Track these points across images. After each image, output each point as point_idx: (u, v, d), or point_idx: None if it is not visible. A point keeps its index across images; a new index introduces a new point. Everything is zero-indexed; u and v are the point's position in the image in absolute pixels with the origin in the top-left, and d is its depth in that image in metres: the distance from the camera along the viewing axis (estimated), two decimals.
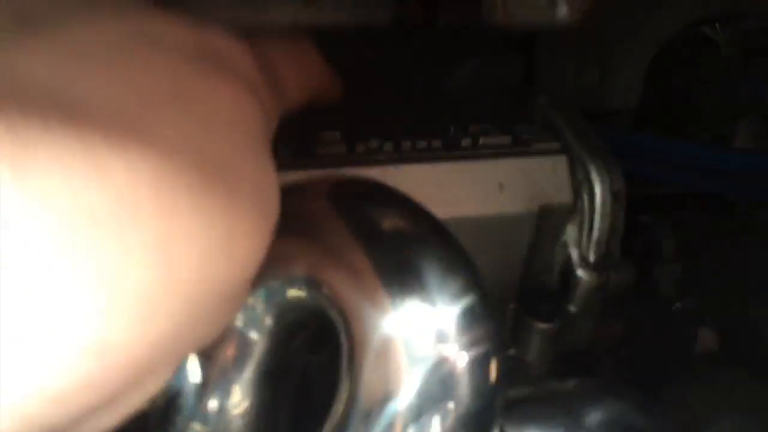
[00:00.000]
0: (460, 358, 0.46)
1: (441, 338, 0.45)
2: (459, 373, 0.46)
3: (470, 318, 0.47)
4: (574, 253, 0.68)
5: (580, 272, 0.68)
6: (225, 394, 0.51)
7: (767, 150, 1.00)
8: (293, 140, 0.63)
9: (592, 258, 0.68)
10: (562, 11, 0.56)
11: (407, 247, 0.47)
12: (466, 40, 0.82)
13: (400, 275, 0.46)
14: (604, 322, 0.86)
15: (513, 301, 0.69)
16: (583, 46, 0.82)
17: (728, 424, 0.76)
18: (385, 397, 0.45)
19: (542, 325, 0.67)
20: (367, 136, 0.65)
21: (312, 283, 0.49)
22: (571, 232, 0.69)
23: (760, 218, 0.96)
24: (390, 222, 0.49)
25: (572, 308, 0.69)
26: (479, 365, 0.46)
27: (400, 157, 0.64)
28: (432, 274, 0.46)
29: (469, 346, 0.46)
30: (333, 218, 0.50)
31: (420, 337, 0.45)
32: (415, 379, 0.45)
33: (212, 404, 0.51)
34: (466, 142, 0.67)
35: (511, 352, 0.71)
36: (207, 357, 0.51)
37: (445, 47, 0.83)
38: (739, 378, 0.86)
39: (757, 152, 0.90)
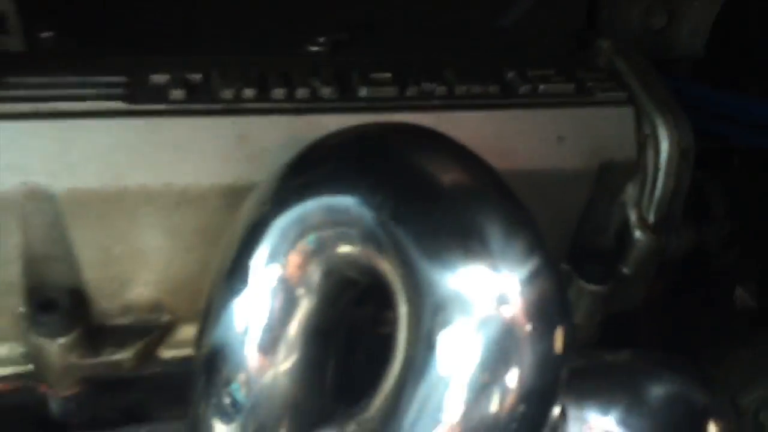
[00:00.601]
0: (525, 325, 0.42)
1: (504, 303, 0.42)
2: (522, 341, 0.42)
3: (534, 283, 0.43)
4: (633, 214, 0.64)
5: (638, 234, 0.64)
6: (271, 349, 0.49)
7: None
8: (334, 78, 0.59)
9: (652, 219, 0.64)
10: None
11: (469, 207, 0.43)
12: None
13: (462, 237, 0.42)
14: None
15: (563, 260, 0.65)
16: None
17: None
18: (443, 365, 0.42)
19: (593, 287, 0.64)
20: (419, 78, 0.60)
21: (368, 239, 0.45)
22: (631, 191, 0.64)
23: None
24: (452, 178, 0.45)
25: (626, 271, 0.65)
26: (544, 333, 0.43)
27: (454, 103, 0.60)
28: (495, 236, 0.42)
29: (534, 312, 0.43)
30: (390, 167, 0.46)
31: (482, 301, 0.42)
32: (476, 344, 0.42)
33: (259, 359, 0.49)
34: (525, 88, 0.62)
35: None
36: (255, 309, 0.48)
37: None
38: None
39: None
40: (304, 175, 0.48)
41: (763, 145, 0.85)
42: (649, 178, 0.63)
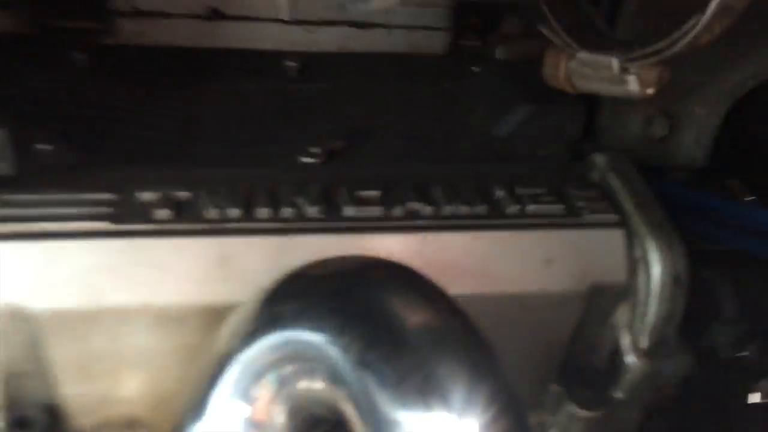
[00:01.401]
0: None
1: None
2: None
3: (495, 428, 0.42)
4: (625, 338, 0.63)
5: (630, 358, 0.62)
6: None
7: None
8: (321, 196, 0.59)
9: (644, 344, 0.62)
10: (633, 87, 0.50)
11: (432, 358, 0.42)
12: (519, 83, 0.76)
13: (423, 387, 0.42)
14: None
15: (555, 382, 0.64)
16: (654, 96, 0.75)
17: None
18: None
19: (585, 413, 0.62)
20: (407, 197, 0.60)
21: (333, 377, 0.45)
22: (622, 314, 0.63)
23: None
24: (417, 324, 0.44)
25: (619, 395, 0.63)
26: None
27: (440, 224, 0.59)
28: (455, 387, 0.42)
29: None
30: (358, 310, 0.46)
31: None
32: None
33: None
34: (513, 209, 0.61)
35: None
36: None
37: (497, 91, 0.78)
38: None
39: None
40: (275, 307, 0.48)
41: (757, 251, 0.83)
42: (641, 303, 0.61)
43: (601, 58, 0.51)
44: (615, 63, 0.49)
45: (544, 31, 0.56)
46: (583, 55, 0.52)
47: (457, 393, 0.42)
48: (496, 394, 0.43)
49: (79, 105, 0.71)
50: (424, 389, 0.41)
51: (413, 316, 0.45)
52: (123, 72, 0.76)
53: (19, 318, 0.52)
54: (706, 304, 0.89)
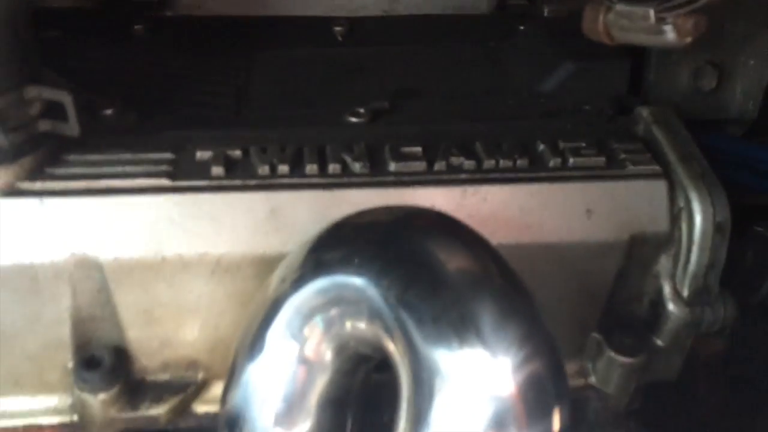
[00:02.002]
0: (519, 408, 0.44)
1: (498, 386, 0.43)
2: (518, 423, 0.43)
3: (529, 366, 0.44)
4: (667, 286, 0.63)
5: (672, 306, 0.63)
6: (287, 417, 0.52)
7: None
8: (365, 153, 0.62)
9: (686, 292, 0.63)
10: (670, 36, 0.50)
11: (468, 297, 0.44)
12: (565, 40, 0.76)
13: (458, 325, 0.44)
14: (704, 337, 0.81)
15: (595, 330, 0.65)
16: (701, 47, 0.74)
17: None
18: None
19: (625, 359, 0.63)
20: (448, 153, 0.62)
21: (375, 318, 0.48)
22: (665, 263, 0.63)
23: None
24: (455, 267, 0.47)
25: (659, 343, 0.64)
26: (540, 416, 0.44)
27: (481, 177, 0.61)
28: (489, 325, 0.44)
29: (528, 395, 0.44)
30: (399, 254, 0.48)
31: (477, 385, 0.43)
32: (472, 427, 0.43)
33: (275, 425, 0.52)
34: (555, 162, 0.62)
35: (591, 380, 0.67)
36: (272, 379, 0.51)
37: (543, 47, 0.78)
38: None
39: None
40: (320, 254, 0.51)
41: None
42: (683, 252, 0.62)
43: (637, 9, 0.51)
44: (651, 13, 0.50)
45: None
46: (621, 6, 0.53)
47: (492, 331, 0.44)
48: (531, 335, 0.45)
49: (139, 73, 0.75)
50: (459, 326, 0.44)
51: (451, 259, 0.47)
52: (180, 41, 0.80)
53: (89, 267, 0.56)
54: (759, 259, 0.88)
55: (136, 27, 0.80)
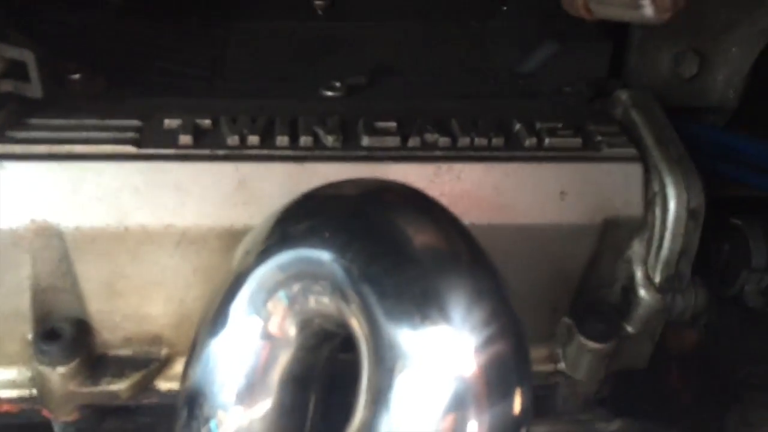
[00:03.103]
0: (481, 388, 0.43)
1: (460, 366, 0.42)
2: (479, 403, 0.43)
3: (492, 347, 0.43)
4: (639, 271, 0.63)
5: (643, 292, 0.63)
6: (248, 394, 0.51)
7: None
8: (338, 126, 0.61)
9: (657, 278, 0.62)
10: (648, 11, 0.49)
11: (432, 273, 0.43)
12: (547, 21, 0.75)
13: (421, 301, 0.43)
14: (677, 328, 0.81)
15: (567, 315, 0.64)
16: (683, 32, 0.73)
17: None
18: (398, 425, 0.43)
19: (594, 345, 0.62)
20: (423, 129, 0.61)
21: (337, 293, 0.47)
22: (637, 248, 0.63)
23: None
24: (421, 242, 0.45)
25: (630, 329, 0.64)
26: (501, 396, 0.43)
27: (456, 155, 0.60)
28: (453, 303, 0.43)
29: (491, 376, 0.43)
30: (365, 227, 0.47)
31: (438, 363, 0.42)
32: (431, 405, 0.42)
33: (236, 402, 0.51)
34: (530, 141, 0.61)
35: (561, 366, 0.66)
36: (234, 354, 0.50)
37: (523, 27, 0.77)
38: None
39: None
40: (286, 227, 0.50)
41: None
42: (656, 237, 0.61)
43: None
44: None
45: None
46: None
47: (456, 309, 0.43)
48: (496, 316, 0.44)
49: (112, 40, 0.73)
50: (422, 303, 0.42)
51: (418, 234, 0.46)
52: (154, 10, 0.78)
53: (49, 234, 0.55)
54: (736, 252, 0.88)
55: None
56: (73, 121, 0.58)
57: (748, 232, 0.87)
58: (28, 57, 0.52)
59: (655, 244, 0.62)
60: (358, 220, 0.47)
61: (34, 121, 0.57)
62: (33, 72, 0.53)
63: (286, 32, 0.78)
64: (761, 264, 0.86)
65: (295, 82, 0.70)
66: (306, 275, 0.48)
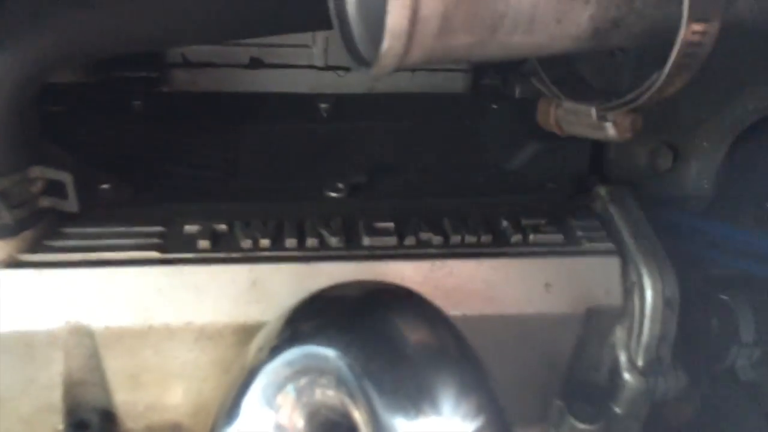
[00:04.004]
0: None
1: None
2: None
3: None
4: (623, 356, 0.68)
5: (627, 376, 0.67)
6: None
7: None
8: (342, 228, 0.67)
9: (640, 362, 0.67)
10: (611, 132, 0.56)
11: (426, 371, 0.49)
12: (533, 120, 0.82)
13: (416, 396, 0.48)
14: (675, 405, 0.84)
15: (557, 398, 0.69)
16: (657, 129, 0.80)
17: None
18: None
19: (585, 426, 0.67)
20: (418, 228, 0.67)
21: (342, 387, 0.52)
22: (620, 334, 0.68)
23: None
24: (415, 341, 0.51)
25: (617, 410, 0.68)
26: None
27: (448, 252, 0.66)
28: (444, 398, 0.48)
29: None
30: (366, 328, 0.53)
31: None
32: None
33: None
34: (516, 238, 0.67)
35: None
36: None
37: (513, 126, 0.84)
38: None
39: None
40: (295, 326, 0.56)
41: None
42: (636, 324, 0.67)
43: (581, 107, 0.57)
44: (593, 111, 0.55)
45: (534, 82, 0.62)
46: (567, 104, 0.59)
47: (447, 403, 0.48)
48: (483, 408, 0.50)
49: (135, 147, 0.80)
50: (416, 397, 0.48)
51: (412, 334, 0.51)
52: (175, 116, 0.86)
53: (81, 334, 0.60)
54: (725, 328, 0.92)
55: (135, 102, 0.86)
56: (103, 230, 0.64)
57: (736, 307, 0.91)
58: (66, 178, 0.59)
59: (635, 330, 0.67)
60: (359, 320, 0.53)
61: (68, 230, 0.64)
62: (70, 191, 0.60)
63: (293, 134, 0.86)
64: (750, 339, 0.90)
65: (302, 182, 0.77)
66: (313, 370, 0.53)
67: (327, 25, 0.53)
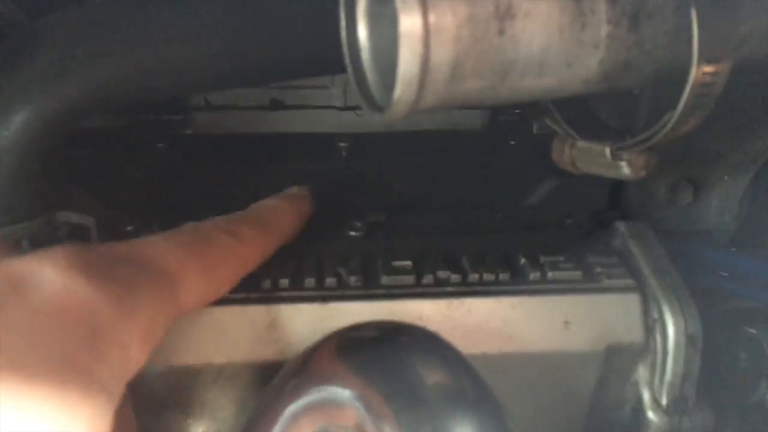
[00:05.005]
0: None
1: None
2: None
3: None
4: (646, 394, 0.67)
5: (651, 415, 0.66)
6: None
7: None
8: (360, 266, 0.67)
9: (664, 401, 0.66)
10: (626, 171, 0.56)
11: (443, 414, 0.49)
12: (549, 155, 0.83)
13: None
14: None
15: None
16: (677, 164, 0.80)
17: None
18: None
19: None
20: (436, 267, 0.67)
21: (358, 428, 0.52)
22: (642, 371, 0.67)
23: None
24: (433, 383, 0.51)
25: None
26: None
27: (466, 290, 0.66)
28: None
29: None
30: (383, 369, 0.53)
31: None
32: None
33: None
34: (534, 275, 0.67)
35: None
36: None
37: (530, 162, 0.85)
38: None
39: None
40: (313, 366, 0.56)
41: None
42: (659, 361, 0.66)
43: (596, 146, 0.57)
44: (607, 151, 0.56)
45: (549, 122, 0.63)
46: (582, 143, 0.59)
47: None
48: None
49: (160, 188, 0.82)
50: None
51: (429, 375, 0.51)
52: (198, 158, 0.88)
53: None
54: (753, 361, 0.90)
55: (159, 145, 0.88)
56: None
57: (765, 341, 0.90)
58: (90, 222, 0.61)
59: (658, 368, 0.66)
60: (377, 362, 0.53)
61: None
62: (93, 235, 0.61)
63: (313, 173, 0.87)
64: None
65: (322, 221, 0.78)
66: (331, 411, 0.54)
67: (344, 69, 0.54)
